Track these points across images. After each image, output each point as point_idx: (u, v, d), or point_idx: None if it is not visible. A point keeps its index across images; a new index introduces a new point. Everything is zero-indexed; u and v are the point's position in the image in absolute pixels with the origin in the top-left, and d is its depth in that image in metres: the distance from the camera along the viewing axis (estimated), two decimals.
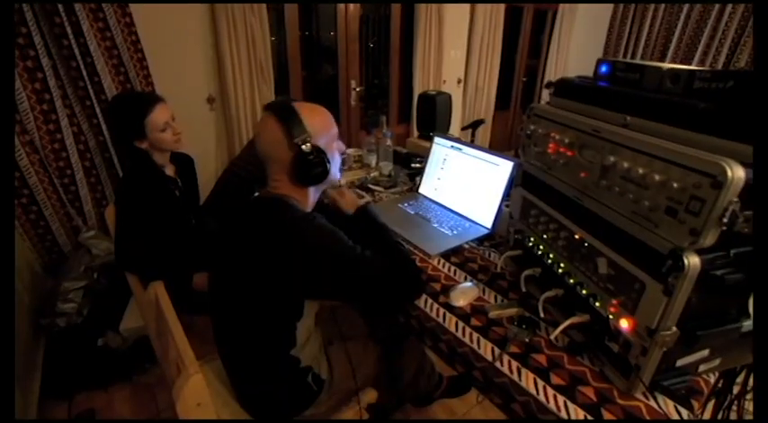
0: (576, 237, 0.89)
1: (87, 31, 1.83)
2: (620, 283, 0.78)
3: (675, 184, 0.65)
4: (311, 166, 0.90)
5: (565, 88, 0.98)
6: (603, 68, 0.93)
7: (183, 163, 1.59)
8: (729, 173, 0.58)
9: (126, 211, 1.33)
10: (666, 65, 0.80)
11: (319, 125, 0.92)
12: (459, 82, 3.86)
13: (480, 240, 1.31)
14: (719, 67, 4.46)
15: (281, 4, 2.74)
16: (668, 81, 0.78)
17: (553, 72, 4.59)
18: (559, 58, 4.54)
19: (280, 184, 0.94)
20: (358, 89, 3.30)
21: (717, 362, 0.82)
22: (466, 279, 1.14)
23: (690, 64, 4.68)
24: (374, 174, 1.76)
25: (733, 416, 1.08)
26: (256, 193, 0.98)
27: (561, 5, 4.25)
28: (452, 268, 1.19)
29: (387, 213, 1.46)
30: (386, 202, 1.57)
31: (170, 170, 1.51)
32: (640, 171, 0.71)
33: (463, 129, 2.19)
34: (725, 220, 0.60)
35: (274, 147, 0.89)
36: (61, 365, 1.67)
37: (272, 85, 2.70)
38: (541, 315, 0.94)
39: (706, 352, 0.78)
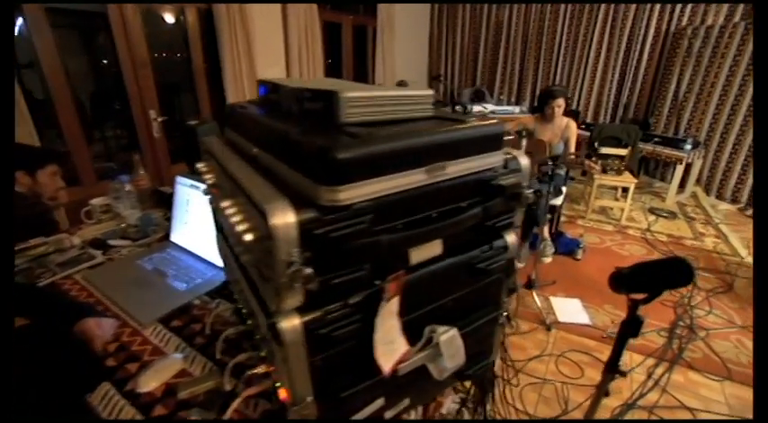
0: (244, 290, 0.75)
1: None
2: (271, 349, 0.66)
3: (252, 236, 0.54)
4: None
5: (229, 117, 0.85)
6: (262, 91, 0.82)
7: None
8: (271, 219, 0.47)
9: None
10: (292, 85, 0.70)
11: None
12: None
13: (220, 289, 1.12)
14: (518, 73, 5.12)
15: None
16: (294, 102, 0.69)
17: None
18: (386, 73, 4.72)
19: None
20: (159, 120, 2.91)
21: (406, 402, 0.76)
22: (177, 349, 0.94)
23: (495, 75, 5.29)
24: (123, 225, 1.46)
25: None
26: None
27: (379, 21, 4.42)
28: (167, 336, 0.98)
29: (113, 276, 1.19)
30: (122, 260, 1.28)
31: None
32: (236, 220, 0.58)
33: None
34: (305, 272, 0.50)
35: None
36: None
37: (31, 126, 2.19)
38: (227, 388, 0.78)
39: (381, 401, 0.70)
